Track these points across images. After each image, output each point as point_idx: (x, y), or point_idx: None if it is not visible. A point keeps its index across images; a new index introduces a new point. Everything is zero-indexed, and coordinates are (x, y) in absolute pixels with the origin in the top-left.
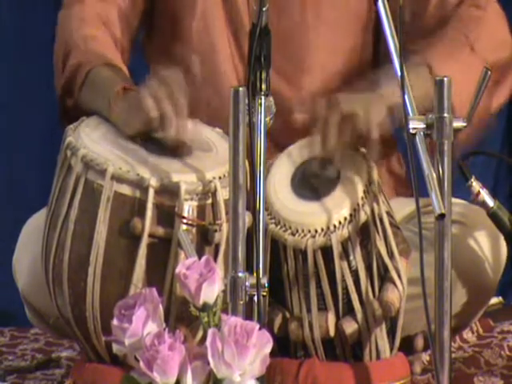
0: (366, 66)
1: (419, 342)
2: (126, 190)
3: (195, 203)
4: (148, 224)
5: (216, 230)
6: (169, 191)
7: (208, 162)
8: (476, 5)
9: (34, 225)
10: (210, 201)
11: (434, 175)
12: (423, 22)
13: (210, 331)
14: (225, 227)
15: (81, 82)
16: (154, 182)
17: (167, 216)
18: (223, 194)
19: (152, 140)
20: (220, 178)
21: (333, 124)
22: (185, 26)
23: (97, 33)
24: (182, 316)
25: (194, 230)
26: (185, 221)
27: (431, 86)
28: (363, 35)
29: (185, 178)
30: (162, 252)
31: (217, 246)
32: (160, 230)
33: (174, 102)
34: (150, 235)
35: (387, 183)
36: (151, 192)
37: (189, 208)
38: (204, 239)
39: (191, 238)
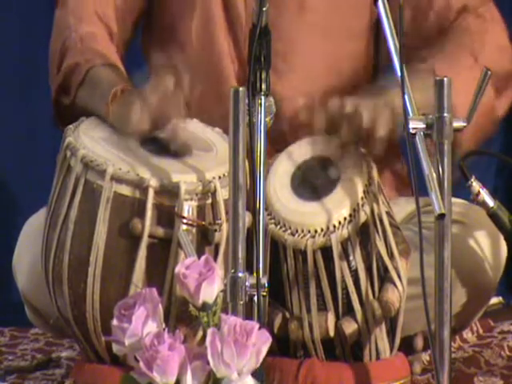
0: (366, 72)
1: (419, 342)
2: (125, 190)
3: (195, 203)
4: (148, 224)
5: (216, 230)
6: (168, 191)
7: (208, 162)
8: (478, 14)
9: (34, 225)
10: (209, 201)
11: (434, 175)
12: (423, 30)
13: (210, 331)
14: (225, 227)
15: (79, 80)
16: (153, 183)
17: (167, 216)
18: (223, 194)
19: (152, 140)
20: (220, 177)
21: (334, 124)
22: (184, 25)
23: (94, 30)
24: (182, 317)
25: (193, 229)
26: (185, 221)
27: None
28: (363, 41)
29: (184, 178)
30: (162, 252)
31: (217, 246)
32: (160, 231)
33: (174, 102)
34: (150, 235)
35: (390, 183)
36: (151, 192)
37: (189, 208)
38: (204, 239)
39: (191, 238)
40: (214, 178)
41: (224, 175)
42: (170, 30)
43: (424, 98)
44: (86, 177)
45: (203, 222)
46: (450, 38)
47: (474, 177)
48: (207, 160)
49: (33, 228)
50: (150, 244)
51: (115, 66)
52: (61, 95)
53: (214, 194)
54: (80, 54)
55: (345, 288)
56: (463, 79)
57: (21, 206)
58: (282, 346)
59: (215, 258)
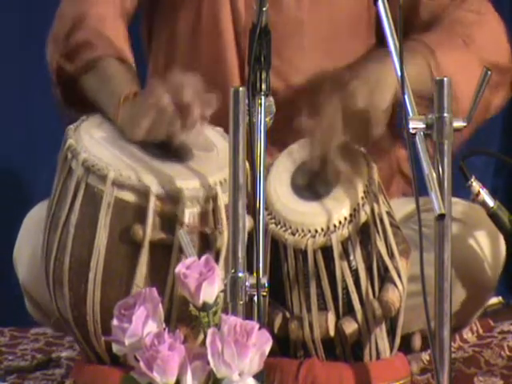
0: None
1: (417, 342)
2: (127, 195)
3: (196, 209)
4: (149, 230)
5: (217, 236)
6: (170, 197)
7: (209, 165)
8: (471, 10)
9: (35, 217)
10: (211, 207)
11: (434, 175)
12: (414, 18)
13: (210, 331)
14: (226, 233)
15: (89, 59)
16: (155, 189)
17: (168, 222)
18: (224, 200)
19: (152, 142)
20: (221, 182)
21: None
22: (189, 15)
23: (108, 11)
24: (183, 321)
25: (195, 236)
26: (186, 227)
27: (427, 70)
28: (364, 39)
29: (186, 185)
30: (163, 259)
31: (218, 253)
32: (161, 237)
33: (186, 106)
34: (151, 242)
35: (397, 184)
36: (152, 198)
37: (190, 214)
38: (205, 245)
39: (192, 244)
40: (215, 183)
41: (225, 180)
42: (172, 19)
43: (415, 73)
44: (87, 181)
45: (204, 229)
46: (442, 26)
47: (474, 177)
48: (208, 162)
49: (33, 221)
50: (151, 250)
51: (127, 63)
52: (64, 62)
53: (215, 199)
54: (94, 36)
55: (345, 288)
56: (454, 57)
57: (22, 200)
58: (282, 346)
59: (216, 263)
